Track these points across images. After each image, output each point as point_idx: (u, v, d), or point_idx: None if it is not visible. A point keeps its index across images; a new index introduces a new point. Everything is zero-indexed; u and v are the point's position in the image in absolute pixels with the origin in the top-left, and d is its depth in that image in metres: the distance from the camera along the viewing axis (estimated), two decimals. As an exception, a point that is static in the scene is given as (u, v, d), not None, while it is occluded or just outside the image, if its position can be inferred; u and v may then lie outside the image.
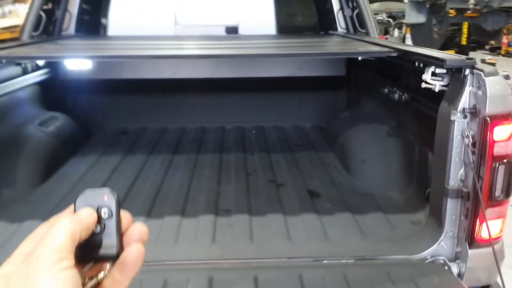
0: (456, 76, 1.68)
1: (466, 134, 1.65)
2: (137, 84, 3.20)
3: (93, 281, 0.55)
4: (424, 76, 1.82)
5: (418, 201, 2.10)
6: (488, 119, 1.56)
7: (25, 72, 2.68)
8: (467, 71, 1.63)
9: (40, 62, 2.78)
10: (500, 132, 1.58)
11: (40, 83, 2.82)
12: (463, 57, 1.66)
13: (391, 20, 11.26)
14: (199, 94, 3.42)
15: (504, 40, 10.28)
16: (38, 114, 2.68)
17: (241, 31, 3.48)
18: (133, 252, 0.56)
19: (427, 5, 7.86)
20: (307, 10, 3.72)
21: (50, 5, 3.06)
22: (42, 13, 2.80)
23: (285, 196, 2.26)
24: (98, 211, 0.56)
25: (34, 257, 0.50)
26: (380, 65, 2.62)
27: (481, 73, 1.57)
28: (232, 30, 3.47)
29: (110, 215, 0.56)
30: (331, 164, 2.69)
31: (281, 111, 3.51)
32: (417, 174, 2.16)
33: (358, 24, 2.97)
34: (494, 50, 10.80)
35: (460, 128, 1.65)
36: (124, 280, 0.56)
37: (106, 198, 0.57)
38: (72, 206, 0.56)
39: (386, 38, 8.15)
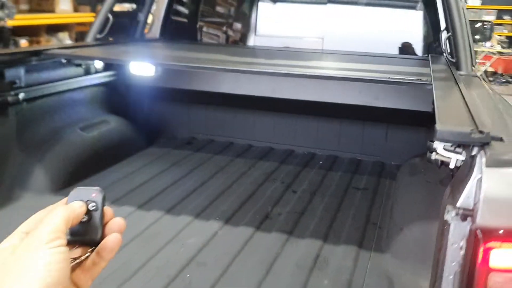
0: (467, 156, 1.14)
1: (460, 244, 1.09)
2: (205, 95, 3.03)
3: (77, 260, 0.67)
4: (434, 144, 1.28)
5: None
6: (479, 232, 0.99)
7: (86, 73, 2.72)
8: (475, 151, 1.07)
9: (101, 64, 2.80)
10: (499, 257, 1.00)
11: (102, 86, 2.84)
12: (466, 127, 1.10)
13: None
14: (270, 112, 3.13)
15: None
16: (89, 117, 2.70)
17: (326, 45, 3.08)
18: (112, 239, 0.69)
19: None
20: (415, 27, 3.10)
21: (129, 7, 3.07)
22: (110, 15, 2.80)
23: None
24: (86, 204, 0.68)
25: (33, 235, 0.62)
26: None
27: (483, 159, 1.01)
28: (314, 44, 3.08)
29: (96, 209, 0.68)
30: (374, 223, 2.18)
31: (362, 143, 3.02)
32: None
33: (448, 51, 2.33)
34: None
35: (456, 233, 1.10)
36: (102, 262, 0.68)
37: (95, 194, 0.69)
38: (66, 199, 0.69)
39: None
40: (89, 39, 2.78)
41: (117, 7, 3.09)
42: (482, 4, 11.05)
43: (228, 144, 3.21)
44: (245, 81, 2.89)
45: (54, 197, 2.11)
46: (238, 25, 3.39)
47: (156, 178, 2.59)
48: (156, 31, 3.31)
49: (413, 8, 3.08)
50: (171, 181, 2.54)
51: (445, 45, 2.35)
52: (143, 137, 3.04)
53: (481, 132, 1.08)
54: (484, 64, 9.37)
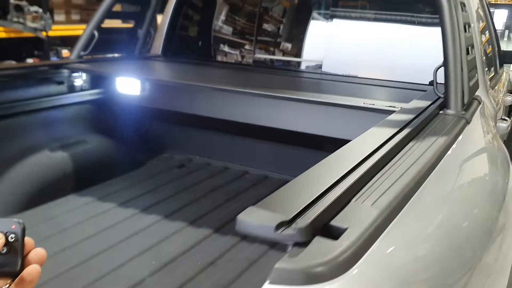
0: None
1: None
2: (199, 119, 2.86)
3: None
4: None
5: None
6: None
7: (69, 91, 2.66)
8: None
9: (88, 82, 2.73)
10: None
11: (86, 104, 2.76)
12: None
13: None
14: (260, 140, 2.89)
15: None
16: (66, 136, 2.63)
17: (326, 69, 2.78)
18: (31, 271, 0.70)
19: None
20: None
21: (125, 24, 2.98)
22: (96, 32, 2.71)
23: None
24: (6, 235, 0.69)
25: None
26: None
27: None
28: (315, 68, 2.79)
29: (16, 240, 0.69)
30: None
31: None
32: None
33: (436, 83, 1.95)
34: None
35: None
36: None
37: (14, 226, 0.70)
38: None
39: None
40: (73, 56, 2.72)
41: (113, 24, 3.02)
42: None
43: (223, 169, 3.01)
44: (241, 106, 2.68)
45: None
46: (242, 45, 3.18)
47: (121, 206, 2.45)
48: (158, 48, 3.20)
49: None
50: (134, 212, 2.39)
51: (435, 77, 1.97)
52: (127, 159, 2.92)
53: (295, 226, 0.78)
54: None
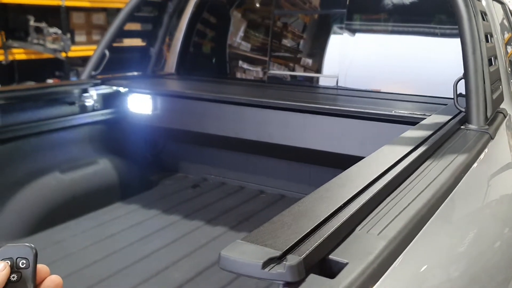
0: None
1: None
2: (212, 138, 2.79)
3: None
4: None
5: None
6: None
7: (81, 111, 2.63)
8: None
9: (99, 102, 2.69)
10: None
11: (97, 124, 2.72)
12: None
13: None
14: (275, 158, 2.78)
15: None
16: (76, 158, 2.59)
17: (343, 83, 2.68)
18: None
19: None
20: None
21: (138, 43, 2.96)
22: (107, 52, 2.68)
23: None
24: (16, 262, 0.64)
25: None
26: None
27: None
28: (328, 82, 2.69)
29: (27, 266, 0.64)
30: None
31: None
32: None
33: (457, 98, 1.82)
34: None
35: None
36: None
37: (25, 251, 0.65)
38: None
39: None
40: (84, 76, 2.69)
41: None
42: None
43: (238, 189, 2.92)
44: (255, 123, 2.60)
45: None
46: (256, 61, 3.10)
47: (130, 229, 2.38)
48: (171, 66, 3.16)
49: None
50: (143, 235, 2.31)
51: (455, 90, 1.84)
52: (138, 180, 2.85)
53: (285, 263, 0.68)
54: None
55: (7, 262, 0.65)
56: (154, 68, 3.06)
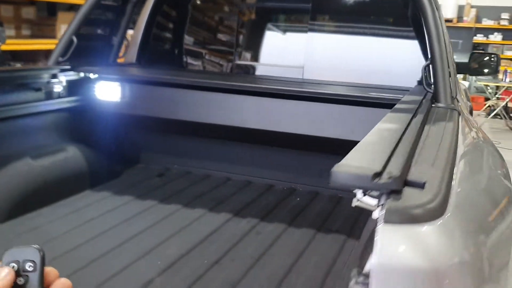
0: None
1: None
2: (180, 124, 2.83)
3: None
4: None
5: None
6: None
7: (47, 97, 2.56)
8: (383, 200, 0.84)
9: (66, 89, 2.64)
10: None
11: (64, 111, 2.67)
12: (368, 169, 0.85)
13: None
14: (250, 144, 2.90)
15: None
16: (45, 144, 2.53)
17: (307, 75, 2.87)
18: None
19: None
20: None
21: (101, 31, 2.94)
22: (74, 38, 2.65)
23: None
24: (22, 265, 0.63)
25: None
26: None
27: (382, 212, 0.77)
28: (294, 73, 2.88)
29: (34, 270, 0.63)
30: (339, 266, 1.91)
31: None
32: None
33: (425, 80, 2.08)
34: None
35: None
36: None
37: (32, 253, 0.63)
38: None
39: None
40: (51, 62, 2.63)
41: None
42: (503, 39, 10.71)
43: (204, 177, 2.98)
44: (225, 108, 2.68)
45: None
46: (221, 52, 3.21)
47: (108, 214, 2.37)
48: (132, 56, 3.17)
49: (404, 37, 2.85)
50: (122, 219, 2.32)
51: (424, 74, 2.10)
52: (108, 167, 2.84)
53: (389, 176, 0.83)
54: (504, 99, 9.00)
55: (12, 267, 0.63)
56: (115, 57, 3.05)
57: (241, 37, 3.12)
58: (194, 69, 3.21)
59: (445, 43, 2.07)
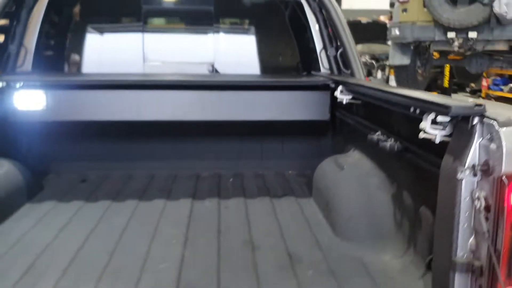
0: (462, 125, 1.40)
1: (476, 195, 1.34)
2: (98, 126, 2.86)
3: None
4: (422, 125, 1.54)
5: (416, 269, 1.78)
6: (504, 179, 1.26)
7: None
8: (476, 120, 1.34)
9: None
10: (521, 196, 1.28)
11: None
12: (471, 103, 1.37)
13: (374, 62, 11.21)
14: (170, 138, 3.09)
15: (484, 83, 10.21)
16: None
17: (220, 70, 3.24)
18: None
19: (412, 47, 7.77)
20: (289, 49, 3.47)
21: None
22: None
23: (261, 262, 1.92)
24: None
25: None
26: (368, 110, 2.35)
27: (494, 123, 1.28)
28: (207, 68, 3.22)
29: None
30: (315, 220, 2.37)
31: (262, 158, 3.20)
32: (415, 237, 1.84)
33: (342, 64, 2.71)
34: (475, 93, 10.73)
35: (469, 188, 1.35)
36: None
37: None
38: None
39: (369, 80, 8.08)
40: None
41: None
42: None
43: (128, 177, 3.01)
44: (143, 104, 2.81)
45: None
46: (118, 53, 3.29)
47: (74, 218, 2.35)
48: (28, 65, 3.01)
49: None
50: (96, 217, 2.34)
51: (330, 61, 2.75)
52: (23, 179, 2.60)
53: (478, 105, 1.36)
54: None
55: None
56: (13, 66, 2.88)
57: (147, 35, 3.28)
58: (99, 74, 3.22)
59: (347, 31, 2.71)
